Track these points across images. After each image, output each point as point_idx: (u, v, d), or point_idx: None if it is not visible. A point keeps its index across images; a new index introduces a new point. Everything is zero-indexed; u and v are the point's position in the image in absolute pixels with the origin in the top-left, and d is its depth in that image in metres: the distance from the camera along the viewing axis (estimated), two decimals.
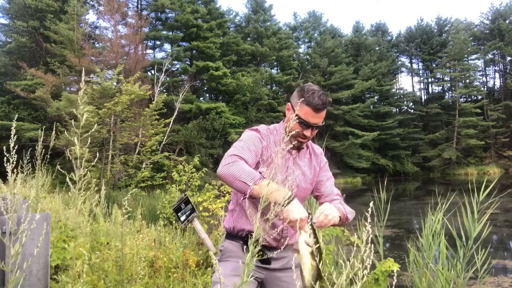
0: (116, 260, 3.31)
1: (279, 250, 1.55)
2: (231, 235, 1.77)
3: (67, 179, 1.64)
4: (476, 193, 2.58)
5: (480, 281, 2.61)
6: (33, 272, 1.95)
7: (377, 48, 42.67)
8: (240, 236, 1.73)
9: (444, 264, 2.60)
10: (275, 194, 1.36)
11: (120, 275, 3.01)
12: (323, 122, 1.71)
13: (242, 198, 1.48)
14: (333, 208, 1.57)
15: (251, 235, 1.65)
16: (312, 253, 1.34)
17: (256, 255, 1.62)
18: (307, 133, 1.67)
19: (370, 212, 1.01)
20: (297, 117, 1.61)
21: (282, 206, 1.35)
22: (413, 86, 56.06)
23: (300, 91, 1.71)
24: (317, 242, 1.36)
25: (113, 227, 4.90)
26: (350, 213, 1.72)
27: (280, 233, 1.70)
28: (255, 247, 1.43)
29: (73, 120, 1.91)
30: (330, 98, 36.13)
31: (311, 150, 1.89)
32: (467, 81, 41.38)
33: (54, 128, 4.01)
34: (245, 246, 1.69)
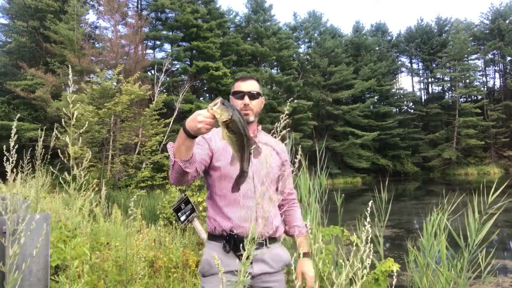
0: (116, 260, 3.31)
1: (264, 244, 1.65)
2: (213, 235, 1.77)
3: (60, 179, 1.63)
4: (483, 194, 2.57)
5: (483, 282, 2.61)
6: (33, 272, 1.95)
7: (377, 48, 42.67)
8: (221, 236, 1.73)
9: (445, 264, 2.60)
10: (181, 135, 1.47)
11: (121, 275, 3.01)
12: (259, 94, 1.86)
13: (184, 167, 1.54)
14: (310, 266, 1.86)
15: (231, 230, 1.68)
16: (226, 125, 1.34)
17: (236, 252, 1.64)
18: (245, 101, 1.82)
19: (369, 212, 1.01)
20: (232, 93, 1.87)
21: (186, 134, 1.43)
22: (413, 86, 56.19)
23: None
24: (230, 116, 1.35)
25: (113, 227, 4.90)
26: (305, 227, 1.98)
27: (254, 210, 1.71)
28: (236, 243, 1.59)
29: (63, 120, 1.90)
30: (330, 98, 36.17)
31: (272, 141, 1.97)
32: (467, 81, 41.37)
33: (54, 128, 4.00)
34: (227, 246, 1.69)
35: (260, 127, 1.93)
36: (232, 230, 1.69)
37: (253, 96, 1.83)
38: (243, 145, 1.39)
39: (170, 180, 1.63)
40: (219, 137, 1.76)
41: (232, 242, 1.68)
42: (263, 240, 1.72)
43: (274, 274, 1.75)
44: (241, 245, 1.65)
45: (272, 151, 1.88)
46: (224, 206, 1.74)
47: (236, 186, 1.53)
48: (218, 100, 1.35)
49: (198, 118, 1.38)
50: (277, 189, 1.90)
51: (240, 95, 1.83)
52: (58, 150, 2.16)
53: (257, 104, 1.85)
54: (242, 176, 1.47)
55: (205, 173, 1.80)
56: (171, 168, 1.57)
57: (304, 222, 1.97)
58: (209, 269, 1.70)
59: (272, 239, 1.79)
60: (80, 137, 2.04)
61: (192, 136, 1.44)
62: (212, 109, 1.34)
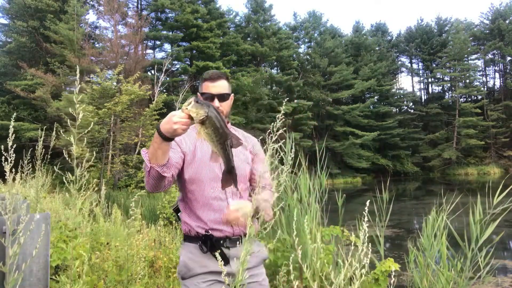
0: (116, 260, 3.31)
1: (240, 242, 1.63)
2: (188, 237, 1.75)
3: (64, 179, 1.63)
4: (488, 195, 2.56)
5: (483, 282, 2.60)
6: (33, 272, 1.95)
7: (377, 48, 42.68)
8: (196, 237, 1.71)
9: (445, 264, 2.60)
10: (156, 140, 1.45)
11: (121, 275, 3.01)
12: (228, 95, 1.81)
13: (160, 172, 1.52)
14: (246, 204, 1.64)
15: (206, 231, 1.66)
16: (203, 122, 1.33)
17: (213, 252, 1.63)
18: (215, 104, 1.76)
19: (367, 211, 1.01)
20: (201, 93, 1.79)
21: (162, 138, 1.40)
22: (413, 86, 56.14)
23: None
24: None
25: (113, 227, 4.89)
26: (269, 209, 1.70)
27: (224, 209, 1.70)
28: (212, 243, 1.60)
29: (68, 120, 1.90)
30: (330, 98, 36.16)
31: (240, 135, 1.90)
32: (467, 81, 41.38)
33: (54, 128, 4.00)
34: (203, 246, 1.67)
35: (229, 124, 1.87)
36: (207, 231, 1.68)
37: (222, 97, 1.79)
38: (223, 141, 1.37)
39: (146, 187, 1.60)
40: (190, 139, 1.76)
41: (209, 243, 1.66)
42: (238, 237, 1.71)
43: (253, 268, 1.73)
44: (225, 241, 1.67)
45: (242, 150, 1.82)
46: (196, 210, 1.72)
47: (225, 184, 1.51)
48: (192, 99, 1.33)
49: (174, 119, 1.35)
50: (250, 184, 1.84)
51: (209, 97, 1.77)
52: (63, 150, 2.16)
53: (226, 105, 1.82)
54: (231, 172, 1.46)
55: (177, 176, 1.78)
56: (147, 175, 1.53)
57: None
58: (187, 271, 1.69)
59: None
60: (85, 138, 2.04)
61: (168, 139, 1.41)
62: (187, 108, 1.32)
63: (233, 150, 1.63)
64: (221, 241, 1.68)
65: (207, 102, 1.36)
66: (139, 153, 17.14)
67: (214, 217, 1.70)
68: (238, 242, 1.68)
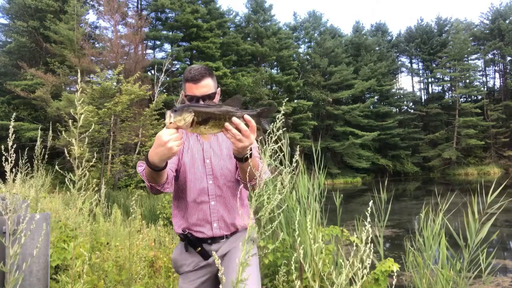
0: (116, 260, 3.31)
1: (220, 242, 1.69)
2: (179, 235, 1.81)
3: (67, 179, 1.64)
4: (486, 194, 2.56)
5: (483, 282, 2.60)
6: (33, 272, 1.95)
7: (377, 48, 42.67)
8: (182, 237, 1.77)
9: (444, 264, 2.60)
10: (149, 170, 1.42)
11: (121, 275, 3.01)
12: (214, 93, 1.72)
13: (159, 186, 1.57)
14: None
15: (184, 230, 1.71)
16: (198, 122, 1.28)
17: (195, 248, 1.69)
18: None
19: (369, 212, 1.01)
20: (185, 96, 1.71)
21: (154, 170, 1.37)
22: (413, 86, 56.17)
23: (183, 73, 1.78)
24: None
25: (113, 227, 4.90)
26: (265, 172, 1.56)
27: (208, 213, 1.71)
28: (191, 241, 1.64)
29: (71, 120, 1.91)
30: (330, 98, 36.14)
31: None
32: (467, 81, 41.38)
33: (51, 128, 4.01)
34: (187, 245, 1.73)
35: None
36: (184, 230, 1.73)
37: (208, 98, 1.69)
38: (230, 116, 1.31)
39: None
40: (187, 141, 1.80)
41: (187, 241, 1.72)
42: (221, 236, 1.73)
43: (224, 257, 1.72)
44: (206, 240, 1.71)
45: (220, 155, 1.77)
46: (181, 210, 1.76)
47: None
48: (169, 112, 1.24)
49: (164, 138, 1.25)
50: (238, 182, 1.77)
51: (193, 98, 1.69)
52: (64, 150, 2.18)
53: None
54: (265, 108, 1.41)
55: None
56: (148, 189, 1.58)
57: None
58: (177, 268, 1.79)
59: (233, 233, 1.78)
60: (87, 138, 2.05)
61: (162, 168, 1.38)
62: (171, 122, 1.23)
63: (215, 147, 1.72)
64: (203, 239, 1.73)
65: (184, 104, 1.30)
66: (139, 153, 17.14)
67: (194, 218, 1.72)
68: (221, 240, 1.73)
